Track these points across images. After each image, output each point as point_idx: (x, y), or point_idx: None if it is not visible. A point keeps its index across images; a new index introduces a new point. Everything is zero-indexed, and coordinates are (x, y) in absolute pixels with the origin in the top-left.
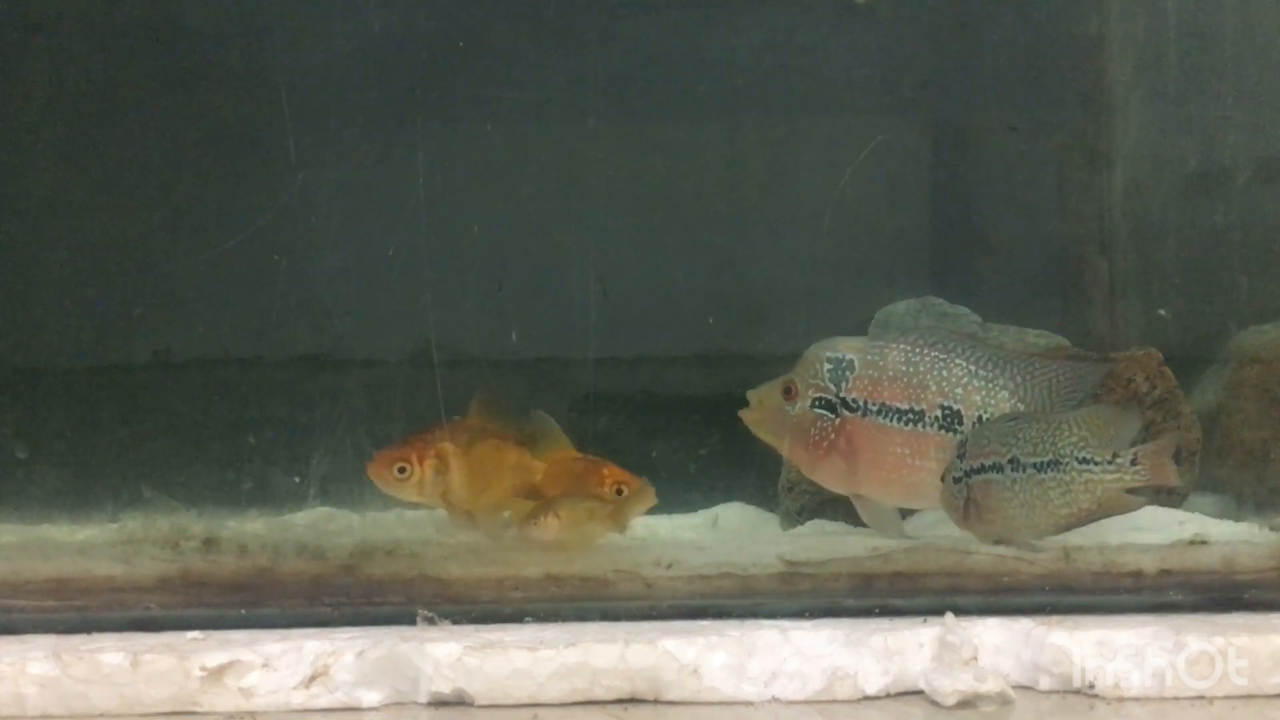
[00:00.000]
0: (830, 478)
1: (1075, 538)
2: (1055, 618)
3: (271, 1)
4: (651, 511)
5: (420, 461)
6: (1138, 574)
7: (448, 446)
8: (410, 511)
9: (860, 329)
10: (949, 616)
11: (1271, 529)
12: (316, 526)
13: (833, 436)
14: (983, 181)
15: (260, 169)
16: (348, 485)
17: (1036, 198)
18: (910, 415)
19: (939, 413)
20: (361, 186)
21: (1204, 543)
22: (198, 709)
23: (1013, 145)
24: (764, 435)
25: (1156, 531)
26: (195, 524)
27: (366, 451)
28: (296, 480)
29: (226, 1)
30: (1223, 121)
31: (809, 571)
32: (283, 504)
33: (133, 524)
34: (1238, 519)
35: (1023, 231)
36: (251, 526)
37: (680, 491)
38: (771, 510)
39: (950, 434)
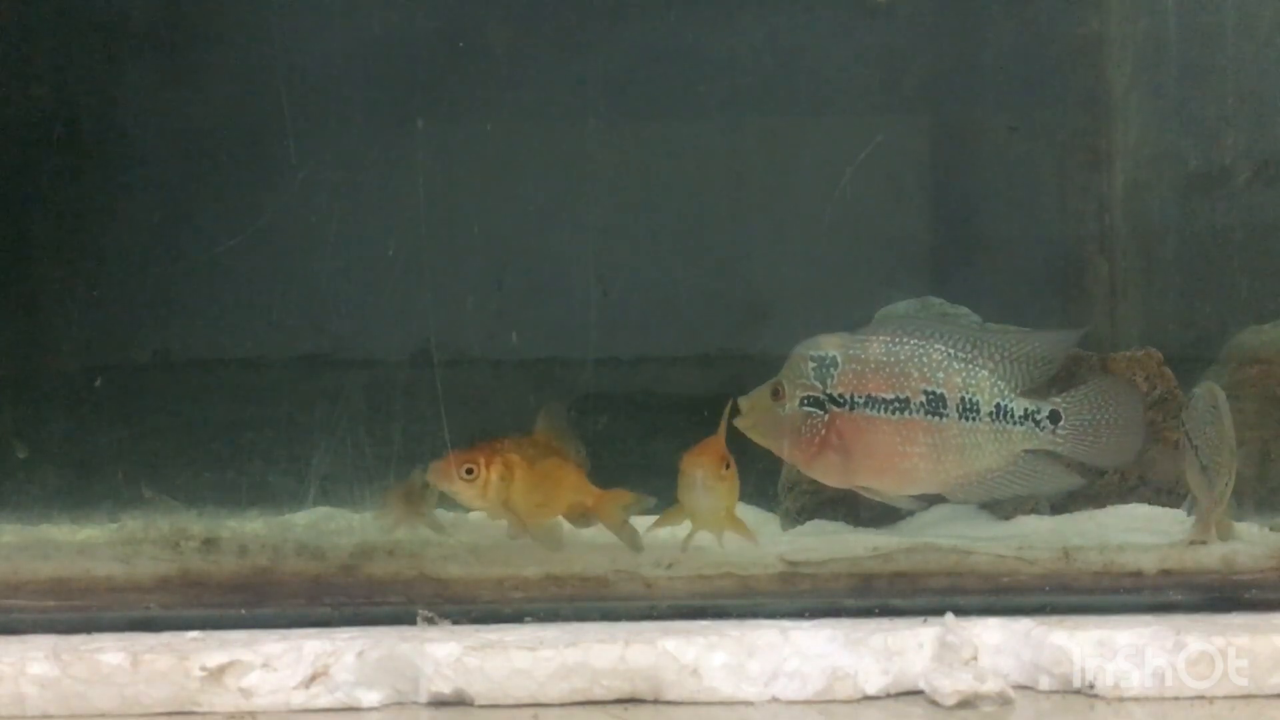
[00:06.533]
0: (826, 473)
1: (1075, 538)
2: (1055, 618)
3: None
4: (653, 511)
5: (488, 466)
6: (1138, 574)
7: (515, 457)
8: None
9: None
10: (949, 616)
11: (1271, 529)
12: (316, 526)
13: (823, 432)
14: (983, 181)
15: (260, 168)
16: (347, 485)
17: (1036, 198)
18: (896, 404)
19: (923, 398)
20: (361, 187)
21: (1204, 543)
22: (198, 709)
23: (1013, 145)
24: (758, 439)
25: (1156, 531)
26: (195, 524)
27: (366, 451)
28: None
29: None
30: (1223, 121)
31: (809, 571)
32: (283, 504)
33: (133, 524)
34: (1238, 519)
35: (1023, 231)
36: (251, 526)
37: None
38: (771, 510)
39: (936, 418)
